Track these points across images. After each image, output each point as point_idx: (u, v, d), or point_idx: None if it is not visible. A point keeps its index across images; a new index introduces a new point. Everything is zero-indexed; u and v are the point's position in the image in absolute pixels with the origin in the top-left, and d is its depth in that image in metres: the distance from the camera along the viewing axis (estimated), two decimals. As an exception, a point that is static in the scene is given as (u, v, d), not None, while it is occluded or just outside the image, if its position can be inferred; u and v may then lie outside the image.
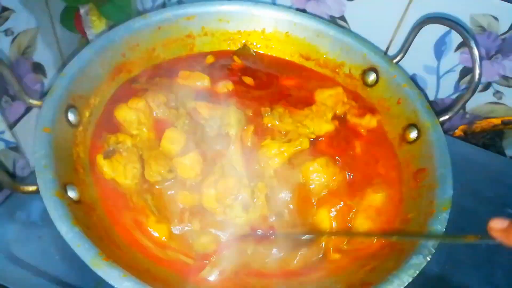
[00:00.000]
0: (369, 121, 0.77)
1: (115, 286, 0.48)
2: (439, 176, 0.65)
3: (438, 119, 0.71)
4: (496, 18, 0.75)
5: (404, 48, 0.79)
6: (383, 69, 0.79)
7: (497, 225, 0.45)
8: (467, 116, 0.89)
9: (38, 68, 0.81)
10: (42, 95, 0.79)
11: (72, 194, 0.56)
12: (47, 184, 0.53)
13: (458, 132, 0.91)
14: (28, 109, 0.81)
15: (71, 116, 0.63)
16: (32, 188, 0.54)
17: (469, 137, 0.90)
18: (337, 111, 0.77)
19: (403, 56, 0.80)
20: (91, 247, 0.50)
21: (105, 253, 0.50)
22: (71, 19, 0.84)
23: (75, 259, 0.64)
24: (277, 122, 0.71)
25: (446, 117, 0.72)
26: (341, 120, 0.76)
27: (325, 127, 0.73)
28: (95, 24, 0.81)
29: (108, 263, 0.49)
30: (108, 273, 0.48)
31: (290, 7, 0.86)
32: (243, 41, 0.85)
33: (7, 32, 0.69)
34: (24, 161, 0.72)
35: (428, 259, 0.55)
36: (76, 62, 0.67)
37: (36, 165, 0.55)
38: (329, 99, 0.78)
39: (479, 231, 0.47)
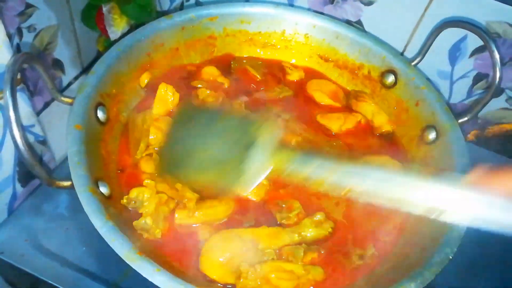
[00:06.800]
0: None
1: (149, 280, 0.49)
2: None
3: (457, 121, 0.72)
4: (511, 25, 0.75)
5: (423, 51, 0.80)
6: (401, 71, 0.79)
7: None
8: (479, 121, 0.89)
9: (57, 65, 0.82)
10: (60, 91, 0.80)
11: (103, 189, 0.57)
12: (81, 180, 0.55)
13: (470, 137, 0.92)
14: (46, 104, 0.82)
15: (100, 114, 0.64)
16: (66, 183, 0.55)
17: (481, 142, 0.91)
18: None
19: (421, 59, 0.80)
20: (124, 241, 0.51)
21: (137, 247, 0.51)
22: (92, 16, 0.85)
23: (101, 251, 0.66)
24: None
25: (465, 119, 0.73)
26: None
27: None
28: (116, 22, 0.82)
29: (142, 257, 0.50)
30: (142, 267, 0.49)
31: (308, 9, 0.87)
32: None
33: (29, 28, 0.71)
34: (50, 154, 0.74)
35: (450, 257, 0.56)
36: (105, 60, 0.68)
37: (69, 161, 0.56)
38: None
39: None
